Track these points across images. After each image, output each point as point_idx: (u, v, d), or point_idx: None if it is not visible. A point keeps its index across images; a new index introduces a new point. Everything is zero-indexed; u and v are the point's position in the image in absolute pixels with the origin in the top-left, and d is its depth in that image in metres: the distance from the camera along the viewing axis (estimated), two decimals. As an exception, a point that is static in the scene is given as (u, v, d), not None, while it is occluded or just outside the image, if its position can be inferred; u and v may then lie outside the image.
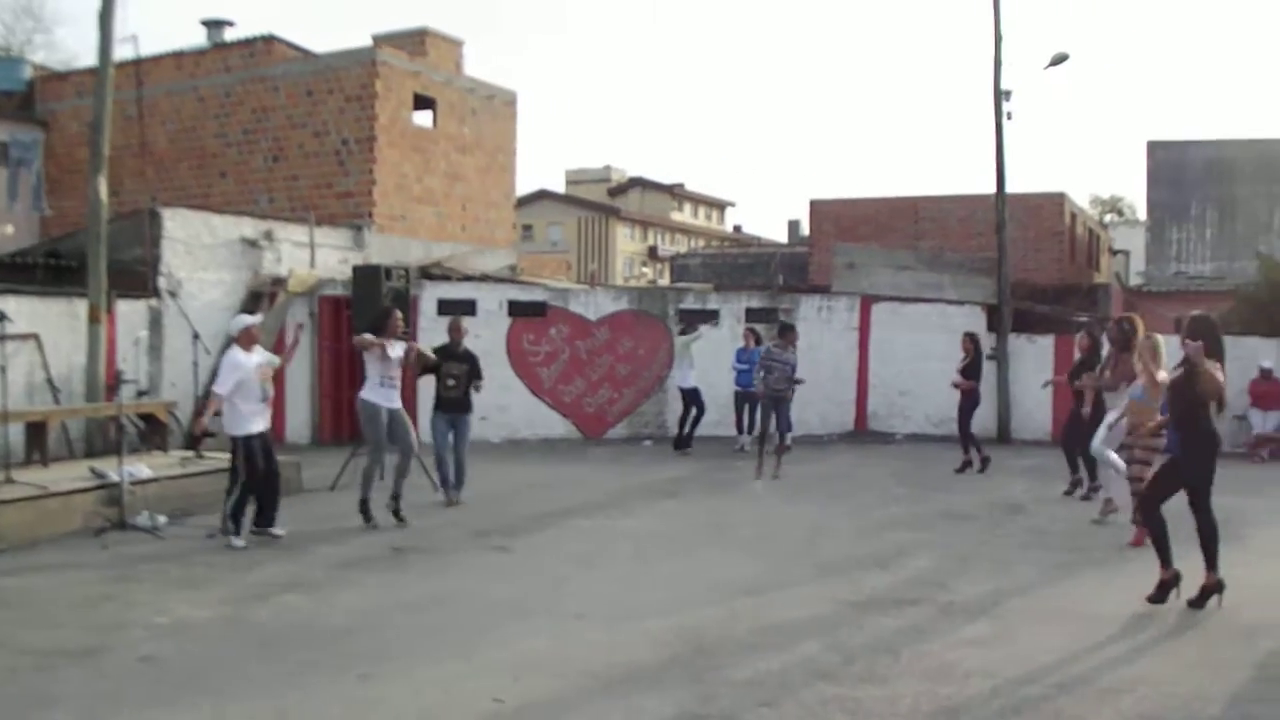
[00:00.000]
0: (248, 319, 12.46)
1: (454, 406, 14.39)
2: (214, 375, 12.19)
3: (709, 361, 21.40)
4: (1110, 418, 13.11)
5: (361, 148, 25.37)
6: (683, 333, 21.65)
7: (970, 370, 18.16)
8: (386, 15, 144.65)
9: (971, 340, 18.37)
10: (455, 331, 14.68)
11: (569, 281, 31.40)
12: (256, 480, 11.78)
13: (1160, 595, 9.22)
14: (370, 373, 13.00)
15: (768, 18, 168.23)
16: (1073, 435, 15.17)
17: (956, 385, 18.19)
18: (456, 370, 14.34)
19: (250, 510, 11.85)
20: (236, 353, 11.85)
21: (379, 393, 12.96)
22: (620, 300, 23.81)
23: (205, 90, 27.75)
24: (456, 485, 14.46)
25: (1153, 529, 9.39)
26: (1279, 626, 8.61)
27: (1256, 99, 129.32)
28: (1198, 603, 9.12)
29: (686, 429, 20.73)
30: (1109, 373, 13.65)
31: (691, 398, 20.67)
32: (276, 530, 11.96)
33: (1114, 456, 13.05)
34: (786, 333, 17.94)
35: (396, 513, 12.94)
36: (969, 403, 18.19)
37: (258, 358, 11.95)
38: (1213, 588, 9.13)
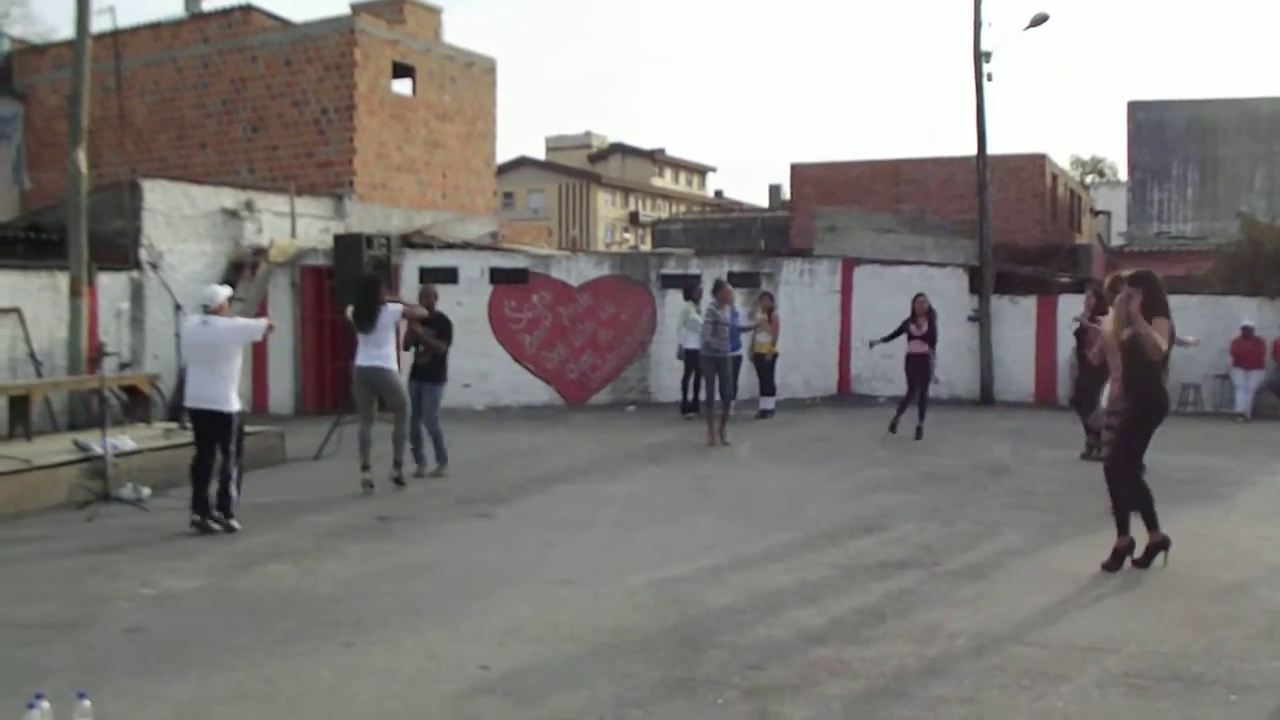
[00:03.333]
0: (227, 290, 11.84)
1: (422, 374, 14.17)
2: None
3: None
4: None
5: (341, 116, 25.22)
6: (687, 298, 21.31)
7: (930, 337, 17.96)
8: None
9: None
10: (426, 297, 14.56)
11: (550, 248, 31.30)
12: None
13: (1115, 563, 9.19)
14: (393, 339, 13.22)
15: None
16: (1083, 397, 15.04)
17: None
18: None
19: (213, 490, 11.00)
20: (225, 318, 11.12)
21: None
22: (602, 266, 23.76)
23: (183, 61, 27.54)
24: (438, 458, 14.13)
25: (1136, 497, 9.29)
26: (1261, 584, 8.69)
27: (1237, 58, 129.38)
28: (1143, 562, 9.16)
29: (691, 394, 20.68)
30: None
31: (694, 360, 20.52)
32: (232, 522, 10.94)
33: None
34: (719, 290, 17.45)
35: (400, 479, 13.15)
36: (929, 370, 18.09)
37: None
38: (1158, 545, 9.16)
